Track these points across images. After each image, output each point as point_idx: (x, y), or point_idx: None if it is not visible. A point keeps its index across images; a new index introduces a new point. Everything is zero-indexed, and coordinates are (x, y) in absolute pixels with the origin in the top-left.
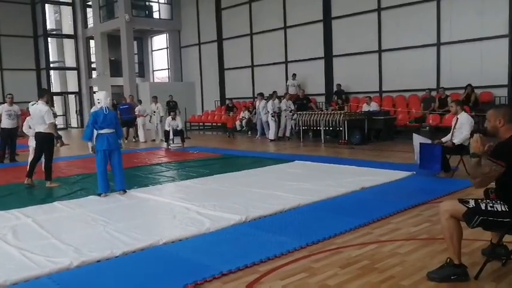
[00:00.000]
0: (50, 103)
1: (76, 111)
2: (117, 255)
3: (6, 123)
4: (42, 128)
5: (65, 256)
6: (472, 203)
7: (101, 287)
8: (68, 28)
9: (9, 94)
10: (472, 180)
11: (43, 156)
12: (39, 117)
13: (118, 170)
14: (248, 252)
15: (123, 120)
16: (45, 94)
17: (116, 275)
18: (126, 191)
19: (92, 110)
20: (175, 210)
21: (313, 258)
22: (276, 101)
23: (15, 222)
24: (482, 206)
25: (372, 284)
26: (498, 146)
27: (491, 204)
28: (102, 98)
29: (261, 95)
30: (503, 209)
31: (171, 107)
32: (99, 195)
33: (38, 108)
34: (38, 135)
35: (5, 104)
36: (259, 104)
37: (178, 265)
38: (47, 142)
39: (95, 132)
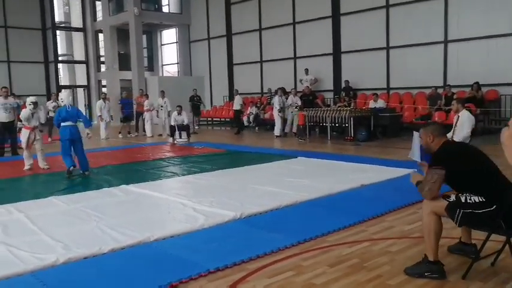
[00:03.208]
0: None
1: (85, 104)
2: (105, 252)
3: (2, 117)
4: None
5: (53, 252)
6: (453, 197)
7: (84, 284)
8: (76, 21)
9: (4, 87)
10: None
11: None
12: None
13: (81, 155)
14: (238, 250)
15: (124, 115)
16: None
17: (100, 273)
18: (89, 172)
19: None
20: (171, 206)
21: (303, 256)
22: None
23: (6, 217)
24: (462, 199)
25: (358, 283)
26: (434, 156)
27: (469, 197)
28: (64, 98)
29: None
30: (480, 199)
31: (196, 102)
32: (69, 169)
33: None
34: None
35: (0, 97)
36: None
37: (166, 262)
38: None
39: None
